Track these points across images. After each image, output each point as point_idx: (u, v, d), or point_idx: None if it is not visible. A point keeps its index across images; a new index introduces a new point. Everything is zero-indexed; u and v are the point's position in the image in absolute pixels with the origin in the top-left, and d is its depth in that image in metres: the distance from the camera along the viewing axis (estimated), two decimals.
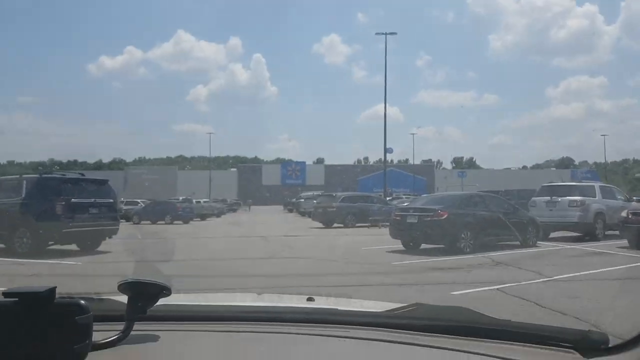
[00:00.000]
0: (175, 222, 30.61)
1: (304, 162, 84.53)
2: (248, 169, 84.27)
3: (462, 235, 12.08)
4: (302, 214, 42.14)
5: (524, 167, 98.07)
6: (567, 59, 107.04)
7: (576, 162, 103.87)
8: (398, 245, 13.45)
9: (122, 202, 37.78)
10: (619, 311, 4.73)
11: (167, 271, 7.67)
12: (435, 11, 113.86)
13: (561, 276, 8.69)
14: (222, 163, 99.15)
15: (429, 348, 1.28)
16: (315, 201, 38.34)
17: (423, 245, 12.83)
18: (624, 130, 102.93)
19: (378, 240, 16.38)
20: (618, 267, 10.01)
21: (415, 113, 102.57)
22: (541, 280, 8.37)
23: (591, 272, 9.20)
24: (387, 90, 39.15)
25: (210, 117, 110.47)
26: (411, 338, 1.35)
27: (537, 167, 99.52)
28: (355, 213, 23.56)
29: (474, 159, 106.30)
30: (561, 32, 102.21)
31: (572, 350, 1.28)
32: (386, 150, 37.03)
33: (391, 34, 41.72)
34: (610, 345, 1.26)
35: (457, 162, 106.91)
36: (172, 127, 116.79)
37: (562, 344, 1.31)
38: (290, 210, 53.23)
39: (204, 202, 40.44)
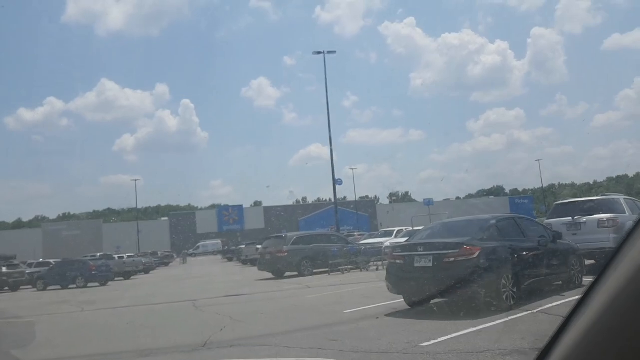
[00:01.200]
0: (90, 284, 24.73)
1: (241, 206, 79.02)
2: (181, 217, 77.62)
3: (503, 282, 7.69)
4: (244, 262, 37.01)
5: (457, 198, 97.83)
6: (484, 93, 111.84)
7: (507, 190, 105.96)
8: (396, 301, 8.94)
9: (30, 264, 31.30)
10: None
11: None
12: (358, 53, 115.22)
13: None
14: (153, 214, 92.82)
15: None
16: (259, 246, 33.47)
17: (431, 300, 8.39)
18: (543, 158, 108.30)
19: (355, 295, 11.78)
20: None
21: (347, 152, 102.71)
22: None
23: None
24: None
25: (139, 167, 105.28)
26: None
27: (469, 197, 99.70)
28: (312, 257, 18.84)
29: (409, 193, 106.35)
30: (477, 69, 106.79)
31: None
32: (335, 182, 32.57)
33: (330, 52, 37.93)
34: None
35: (394, 197, 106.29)
36: (98, 180, 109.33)
37: None
38: (230, 259, 47.93)
39: (128, 257, 34.37)
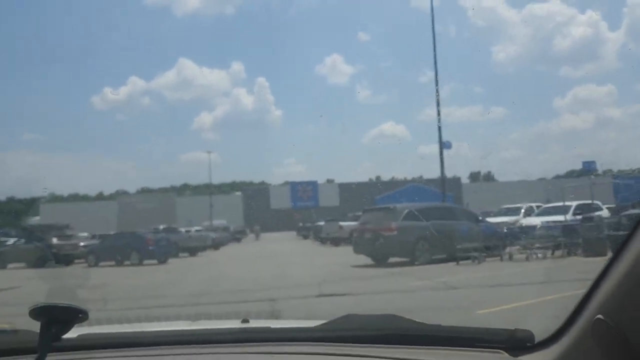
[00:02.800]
0: (147, 261, 20.52)
1: (315, 182, 74.31)
2: (254, 192, 74.17)
3: None
4: (323, 240, 32.07)
5: (541, 179, 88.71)
6: (574, 67, 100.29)
7: (599, 171, 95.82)
8: None
9: (92, 236, 27.80)
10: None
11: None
12: (437, 26, 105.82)
13: None
14: (228, 190, 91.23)
15: (360, 358, 1.28)
16: (342, 224, 28.31)
17: None
18: (635, 137, 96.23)
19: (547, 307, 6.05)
20: None
21: (422, 130, 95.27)
22: None
23: None
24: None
25: (216, 144, 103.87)
26: (343, 349, 1.34)
27: (557, 177, 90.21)
28: (430, 238, 13.26)
29: (491, 173, 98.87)
30: (565, 41, 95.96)
31: (500, 350, 1.30)
32: (443, 145, 26.03)
33: None
34: (535, 342, 1.27)
35: (474, 177, 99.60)
36: (177, 157, 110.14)
37: (491, 344, 1.32)
38: (306, 237, 43.15)
39: (196, 231, 30.21)
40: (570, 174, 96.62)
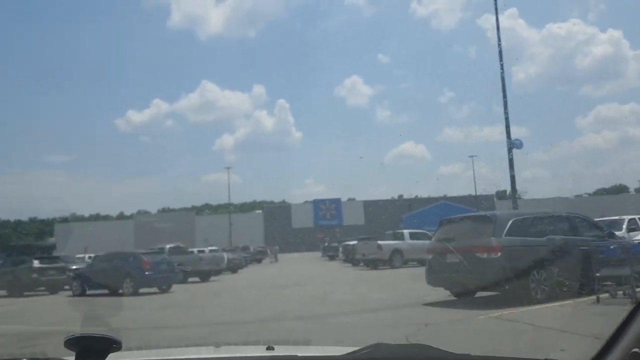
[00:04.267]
0: (142, 290, 15.92)
1: (339, 199, 69.46)
2: (275, 210, 69.62)
3: None
4: (354, 262, 27.22)
5: (578, 196, 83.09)
6: (595, 86, 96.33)
7: (630, 189, 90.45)
8: None
9: (81, 257, 23.37)
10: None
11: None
12: (456, 47, 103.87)
13: None
14: (248, 209, 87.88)
15: None
16: (381, 242, 23.45)
17: None
18: None
19: None
20: None
21: (441, 150, 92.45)
22: None
23: None
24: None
25: (237, 165, 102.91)
26: None
27: (580, 196, 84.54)
28: (550, 263, 8.37)
29: (517, 192, 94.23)
30: (586, 60, 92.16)
31: None
32: (512, 144, 20.80)
33: None
34: None
35: (500, 196, 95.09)
36: (199, 178, 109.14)
37: None
38: (332, 258, 38.43)
39: (211, 251, 25.58)
40: (601, 192, 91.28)
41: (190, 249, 24.43)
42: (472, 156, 64.41)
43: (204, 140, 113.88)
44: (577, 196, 77.28)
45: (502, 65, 21.17)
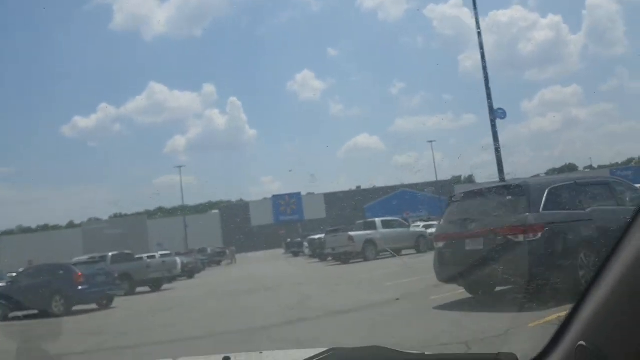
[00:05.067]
0: (77, 308, 13.06)
1: (298, 194, 67.02)
2: (232, 209, 66.51)
3: None
4: (322, 257, 24.93)
5: (535, 176, 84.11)
6: (539, 70, 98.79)
7: (579, 168, 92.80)
8: None
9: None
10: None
11: None
12: (404, 38, 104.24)
13: None
14: (205, 209, 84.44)
15: None
16: (352, 233, 21.21)
17: None
18: (601, 135, 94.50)
19: None
20: None
21: (395, 141, 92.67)
22: None
23: None
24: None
25: (191, 167, 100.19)
26: None
27: (537, 176, 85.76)
28: (603, 241, 6.28)
29: (472, 176, 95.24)
30: (529, 46, 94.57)
31: None
32: (494, 114, 18.42)
33: None
34: None
35: (456, 181, 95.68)
36: (151, 181, 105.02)
37: None
38: (296, 254, 36.00)
39: (162, 255, 22.67)
40: (552, 172, 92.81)
41: (138, 255, 21.45)
42: (430, 141, 63.32)
43: (155, 143, 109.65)
44: (534, 176, 77.57)
45: (481, 43, 19.12)
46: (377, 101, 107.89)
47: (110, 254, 18.97)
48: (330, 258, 23.69)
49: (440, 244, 7.39)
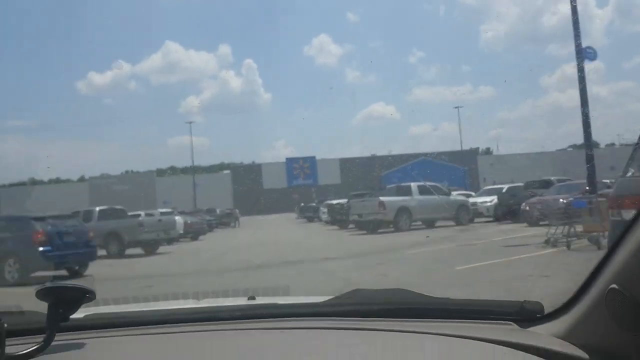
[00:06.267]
0: (40, 272, 9.93)
1: (313, 157, 63.63)
2: (244, 170, 63.49)
3: None
4: (343, 224, 21.70)
5: (561, 150, 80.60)
6: (561, 45, 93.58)
7: (600, 145, 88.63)
8: None
9: None
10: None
11: None
12: (425, 5, 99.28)
13: None
14: (217, 170, 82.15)
15: (367, 331, 1.24)
16: (384, 199, 17.86)
17: None
18: (620, 114, 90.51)
19: None
20: None
21: (412, 111, 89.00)
22: None
23: None
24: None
25: (205, 128, 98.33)
26: (350, 324, 1.29)
27: (564, 150, 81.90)
28: None
29: (490, 149, 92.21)
30: (553, 19, 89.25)
31: (510, 322, 1.24)
32: (583, 53, 14.69)
33: None
34: (545, 313, 1.23)
35: (475, 152, 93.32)
36: (165, 141, 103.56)
37: (500, 316, 1.27)
38: (310, 219, 32.91)
39: (163, 213, 19.54)
40: (574, 148, 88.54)
41: (133, 213, 18.29)
42: (457, 107, 59.18)
43: (169, 103, 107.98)
44: (559, 150, 73.41)
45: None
46: (394, 69, 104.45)
47: (97, 208, 15.80)
48: (352, 226, 20.46)
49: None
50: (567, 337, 1.10)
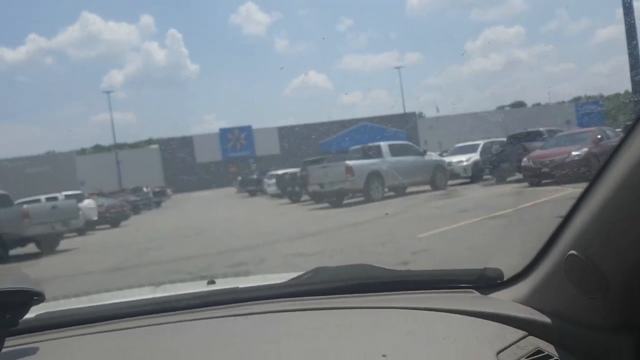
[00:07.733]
0: None
1: (249, 127, 59.23)
2: (175, 144, 58.07)
3: None
4: (294, 197, 18.14)
5: (500, 107, 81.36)
6: (483, 10, 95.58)
7: (528, 105, 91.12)
8: None
9: None
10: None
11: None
12: None
13: None
14: (144, 146, 75.58)
15: (331, 310, 1.21)
16: (365, 162, 14.27)
17: None
18: (540, 76, 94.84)
19: None
20: None
21: (342, 79, 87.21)
22: None
23: None
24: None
25: (129, 103, 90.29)
26: (313, 303, 1.26)
27: (502, 108, 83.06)
28: None
29: (423, 114, 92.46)
30: None
31: (471, 290, 1.23)
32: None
33: None
34: (505, 279, 1.22)
35: (407, 118, 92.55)
36: (88, 119, 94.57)
37: (461, 285, 1.26)
38: (252, 193, 29.03)
39: (67, 197, 15.02)
40: (501, 109, 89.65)
41: (26, 199, 13.68)
42: (398, 67, 56.40)
43: (90, 78, 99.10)
44: (498, 108, 72.90)
45: None
46: (324, 38, 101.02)
47: None
48: (306, 198, 16.89)
49: None
50: (527, 301, 1.09)
